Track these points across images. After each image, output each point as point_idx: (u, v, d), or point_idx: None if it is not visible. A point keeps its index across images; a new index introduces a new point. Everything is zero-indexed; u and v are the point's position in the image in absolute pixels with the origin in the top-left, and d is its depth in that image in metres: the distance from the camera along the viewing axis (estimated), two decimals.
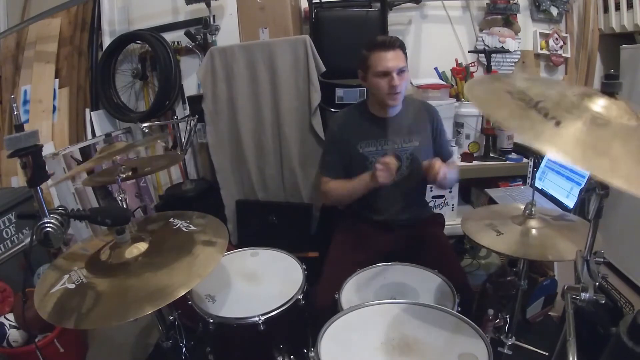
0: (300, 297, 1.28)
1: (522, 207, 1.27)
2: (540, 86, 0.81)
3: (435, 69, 2.32)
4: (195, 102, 2.20)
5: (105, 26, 2.50)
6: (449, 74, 2.33)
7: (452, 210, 2.12)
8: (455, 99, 2.22)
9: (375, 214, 1.58)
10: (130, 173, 1.59)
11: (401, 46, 1.42)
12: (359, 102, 1.67)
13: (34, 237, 0.87)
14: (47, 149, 2.16)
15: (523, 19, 2.35)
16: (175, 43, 2.46)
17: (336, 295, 1.24)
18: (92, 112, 2.53)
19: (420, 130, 1.53)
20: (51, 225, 0.85)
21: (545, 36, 2.36)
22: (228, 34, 2.33)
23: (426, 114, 1.56)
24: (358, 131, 1.53)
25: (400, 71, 1.40)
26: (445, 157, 1.59)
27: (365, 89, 1.92)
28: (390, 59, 1.38)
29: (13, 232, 1.82)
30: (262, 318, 1.18)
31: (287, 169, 2.09)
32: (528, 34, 2.38)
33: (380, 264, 1.40)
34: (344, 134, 1.54)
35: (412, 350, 0.95)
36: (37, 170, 0.87)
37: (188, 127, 2.27)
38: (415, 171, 1.54)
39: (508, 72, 2.41)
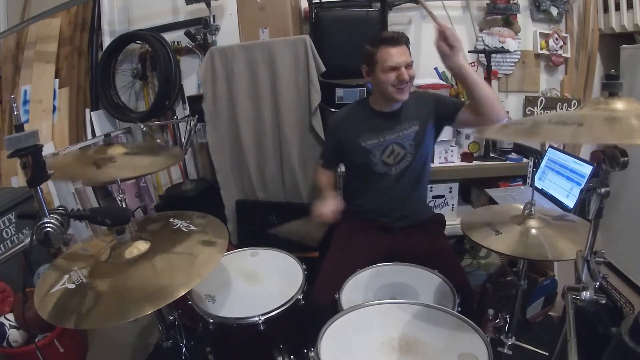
0: (300, 297, 1.28)
1: (522, 207, 1.28)
2: (560, 116, 0.85)
3: (435, 69, 2.32)
4: (195, 102, 2.20)
5: (105, 26, 2.50)
6: (449, 74, 2.33)
7: (452, 210, 2.12)
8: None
9: (375, 212, 1.58)
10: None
11: (407, 42, 1.44)
12: (360, 99, 1.68)
13: (34, 237, 0.87)
14: (47, 149, 2.16)
15: (523, 19, 2.35)
16: (175, 43, 2.46)
17: (336, 295, 1.24)
18: (92, 112, 2.53)
19: (418, 115, 1.52)
20: (51, 225, 0.85)
21: (545, 36, 2.36)
22: (228, 34, 2.33)
23: (421, 99, 1.56)
24: (360, 126, 1.53)
25: (408, 66, 1.42)
26: (457, 107, 1.48)
27: (365, 89, 1.92)
28: (399, 54, 1.40)
29: (13, 232, 1.82)
30: (262, 318, 1.18)
31: (287, 169, 2.09)
32: (528, 34, 2.38)
33: (380, 264, 1.40)
34: (345, 129, 1.55)
35: (412, 350, 0.95)
36: (37, 170, 0.87)
37: (188, 127, 2.27)
38: (419, 156, 1.53)
39: (508, 72, 2.41)
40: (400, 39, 1.41)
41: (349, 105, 1.65)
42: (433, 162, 2.06)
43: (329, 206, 1.49)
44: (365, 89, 1.92)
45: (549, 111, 2.36)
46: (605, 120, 0.70)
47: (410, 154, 1.52)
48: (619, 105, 0.75)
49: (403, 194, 1.56)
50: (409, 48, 1.45)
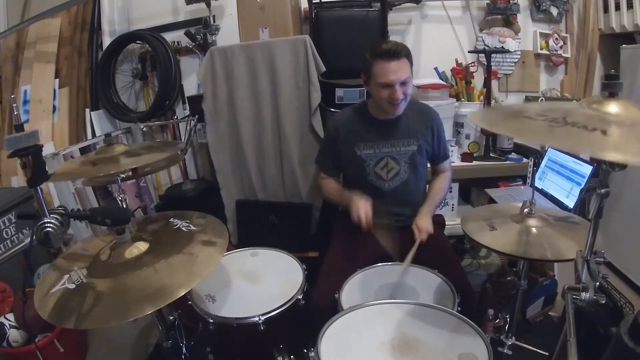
0: (300, 297, 1.28)
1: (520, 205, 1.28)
2: (548, 106, 0.85)
3: (435, 69, 2.32)
4: (195, 102, 2.20)
5: (105, 26, 2.50)
6: (449, 74, 2.33)
7: (452, 210, 2.12)
8: (455, 99, 2.22)
9: (375, 216, 1.57)
10: (130, 173, 1.59)
11: (407, 55, 1.37)
12: (359, 103, 1.67)
13: (34, 237, 0.87)
14: (47, 149, 2.16)
15: (523, 19, 2.35)
16: (175, 43, 2.46)
17: (336, 295, 1.24)
18: (92, 112, 2.53)
19: (419, 135, 1.53)
20: (51, 225, 0.85)
21: (545, 36, 2.36)
22: (228, 34, 2.33)
23: (426, 118, 1.55)
24: (357, 133, 1.52)
25: (403, 82, 1.37)
26: (441, 159, 1.64)
27: (365, 89, 1.92)
28: (393, 71, 1.34)
29: (13, 232, 1.82)
30: (262, 318, 1.18)
31: (287, 169, 2.09)
32: (528, 34, 2.38)
33: (380, 264, 1.40)
34: (343, 135, 1.54)
35: (412, 350, 0.95)
36: (37, 170, 0.87)
37: (188, 127, 2.27)
38: (416, 173, 1.54)
39: (508, 72, 2.42)
40: (399, 53, 1.35)
41: (347, 109, 1.63)
42: None
43: (362, 206, 1.38)
44: (365, 90, 1.92)
45: None
46: (587, 123, 0.69)
47: (405, 171, 1.53)
48: (614, 108, 0.74)
49: (399, 202, 1.56)
50: (410, 61, 1.39)
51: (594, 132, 0.67)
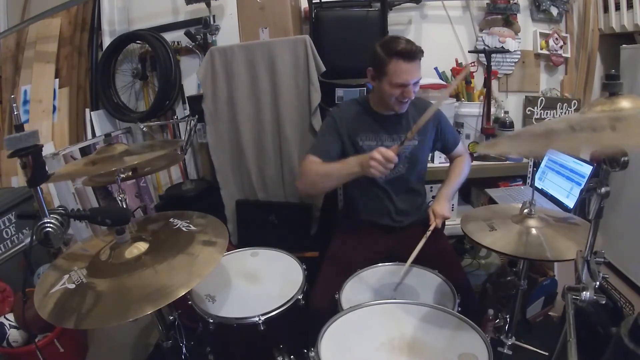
0: (300, 297, 1.28)
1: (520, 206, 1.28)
2: (557, 119, 0.85)
3: (435, 69, 2.32)
4: (195, 102, 2.20)
5: (105, 26, 2.50)
6: (449, 74, 2.33)
7: (452, 210, 2.12)
8: (455, 99, 2.22)
9: (375, 214, 1.57)
10: (130, 173, 1.59)
11: (421, 54, 1.36)
12: (359, 98, 1.66)
13: (34, 237, 0.87)
14: (47, 149, 2.16)
15: (523, 18, 2.35)
16: (175, 43, 2.45)
17: (336, 295, 1.24)
18: (92, 112, 2.53)
19: (421, 131, 1.52)
20: (51, 225, 0.85)
21: (545, 36, 2.36)
22: (228, 34, 2.33)
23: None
24: (359, 124, 1.50)
25: (416, 82, 1.37)
26: (452, 146, 1.62)
27: (365, 89, 1.92)
28: (411, 72, 1.33)
29: (13, 232, 1.82)
30: (262, 318, 1.18)
31: (287, 169, 2.09)
32: (528, 34, 2.38)
33: (380, 264, 1.40)
34: (346, 123, 1.49)
35: (412, 350, 0.95)
36: (37, 170, 0.87)
37: (188, 127, 2.27)
38: (414, 170, 1.54)
39: (508, 72, 2.42)
40: (417, 55, 1.32)
41: (347, 101, 1.61)
42: (433, 162, 2.06)
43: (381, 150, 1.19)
44: (365, 89, 1.92)
45: (549, 112, 2.36)
46: (615, 123, 0.69)
47: (404, 165, 1.51)
48: (624, 104, 0.74)
49: (398, 198, 1.55)
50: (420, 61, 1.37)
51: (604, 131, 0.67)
